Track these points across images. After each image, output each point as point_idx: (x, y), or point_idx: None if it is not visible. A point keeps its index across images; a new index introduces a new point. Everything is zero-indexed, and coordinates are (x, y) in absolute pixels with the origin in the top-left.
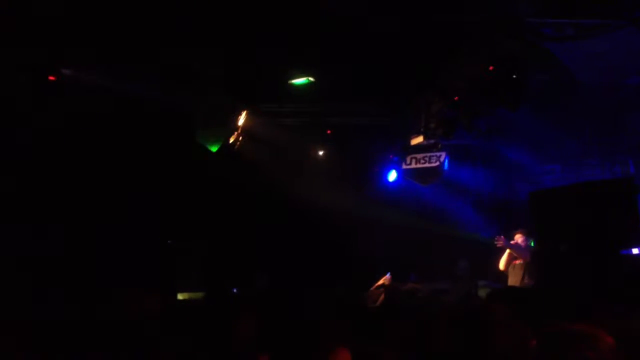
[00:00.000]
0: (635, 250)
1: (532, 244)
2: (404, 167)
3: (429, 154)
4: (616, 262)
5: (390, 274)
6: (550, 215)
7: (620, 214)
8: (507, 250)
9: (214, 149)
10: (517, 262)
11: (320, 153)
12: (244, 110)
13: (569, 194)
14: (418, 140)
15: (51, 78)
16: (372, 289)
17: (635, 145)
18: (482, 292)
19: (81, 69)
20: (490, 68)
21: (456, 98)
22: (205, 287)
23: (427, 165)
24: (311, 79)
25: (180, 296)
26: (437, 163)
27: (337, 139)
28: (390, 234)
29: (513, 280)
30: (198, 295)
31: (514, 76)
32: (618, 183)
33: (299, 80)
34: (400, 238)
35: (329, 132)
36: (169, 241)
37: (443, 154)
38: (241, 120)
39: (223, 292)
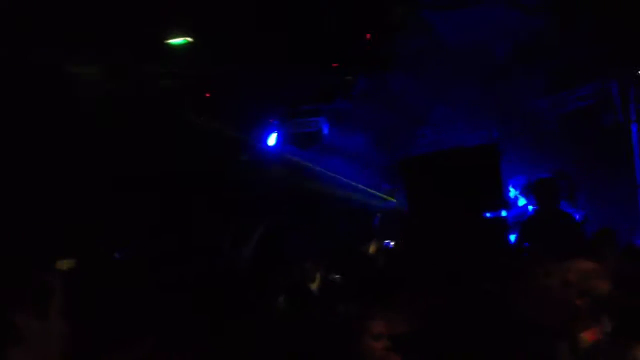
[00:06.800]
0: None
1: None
2: (284, 131)
3: (309, 119)
4: (480, 226)
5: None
6: (418, 182)
7: (484, 179)
8: None
9: None
10: None
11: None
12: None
13: (436, 161)
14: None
15: None
16: None
17: (500, 111)
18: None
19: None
20: (368, 36)
21: (335, 64)
22: None
23: (307, 130)
24: (189, 39)
25: None
26: (317, 128)
27: (215, 102)
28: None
29: None
30: None
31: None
32: (482, 149)
33: (177, 40)
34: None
35: (207, 95)
36: None
37: (322, 119)
38: None
39: None
